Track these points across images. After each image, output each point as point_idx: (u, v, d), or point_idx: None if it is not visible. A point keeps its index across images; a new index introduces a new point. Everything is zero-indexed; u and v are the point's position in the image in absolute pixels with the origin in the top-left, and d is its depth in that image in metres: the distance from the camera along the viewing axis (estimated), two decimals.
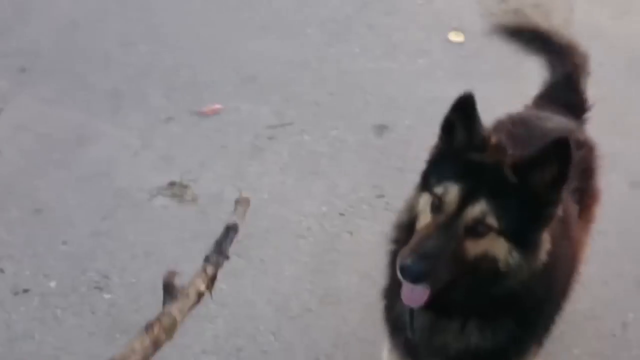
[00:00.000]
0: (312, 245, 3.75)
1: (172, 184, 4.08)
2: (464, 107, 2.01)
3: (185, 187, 4.07)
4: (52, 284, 3.44)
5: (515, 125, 2.67)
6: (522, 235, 1.96)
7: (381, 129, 4.55)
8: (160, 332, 0.99)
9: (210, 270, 1.08)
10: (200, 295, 1.06)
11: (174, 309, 1.02)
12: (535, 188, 1.94)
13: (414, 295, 2.00)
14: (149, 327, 0.98)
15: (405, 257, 1.90)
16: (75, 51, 5.14)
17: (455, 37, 5.46)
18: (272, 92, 4.89)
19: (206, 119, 4.62)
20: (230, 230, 1.11)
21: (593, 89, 3.20)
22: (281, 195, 4.06)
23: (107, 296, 3.41)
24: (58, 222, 3.77)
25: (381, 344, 2.77)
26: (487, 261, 1.96)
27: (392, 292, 2.31)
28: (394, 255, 2.21)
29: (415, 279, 1.90)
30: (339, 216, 3.92)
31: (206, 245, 3.62)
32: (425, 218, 2.02)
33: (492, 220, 1.91)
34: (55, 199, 3.91)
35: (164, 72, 5.01)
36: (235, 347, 3.23)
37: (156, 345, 0.95)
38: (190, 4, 5.76)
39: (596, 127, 3.10)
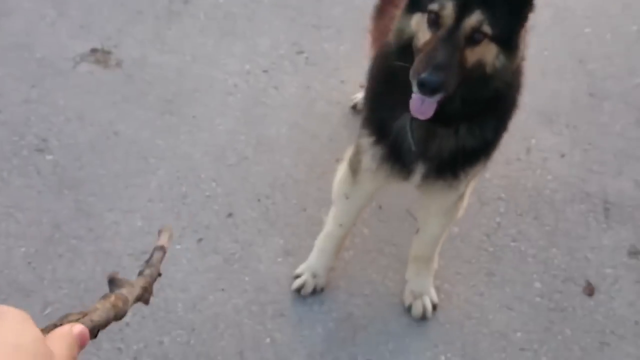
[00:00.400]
0: (240, 101, 3.85)
1: (94, 51, 4.04)
2: None
3: (108, 53, 4.04)
4: None
5: None
6: (507, 38, 2.11)
7: None
8: (118, 300, 1.05)
9: (146, 279, 1.15)
10: (143, 290, 1.13)
11: (124, 291, 1.09)
12: None
13: (424, 107, 2.11)
14: (105, 296, 1.06)
15: (421, 72, 2.00)
16: None
17: None
18: None
19: None
20: (158, 251, 1.18)
21: None
22: (204, 56, 4.10)
23: (49, 157, 3.43)
24: None
25: (334, 172, 2.95)
26: (478, 67, 2.10)
27: (385, 115, 2.44)
28: (386, 77, 2.38)
29: (434, 90, 2.00)
30: (263, 73, 4.02)
31: (137, 106, 3.73)
32: (424, 35, 2.10)
33: (487, 28, 2.03)
34: None
35: None
36: (180, 194, 3.36)
37: (115, 309, 0.99)
38: None
39: None
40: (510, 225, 3.33)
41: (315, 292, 3.03)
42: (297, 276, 3.05)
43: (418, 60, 2.06)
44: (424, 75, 1.99)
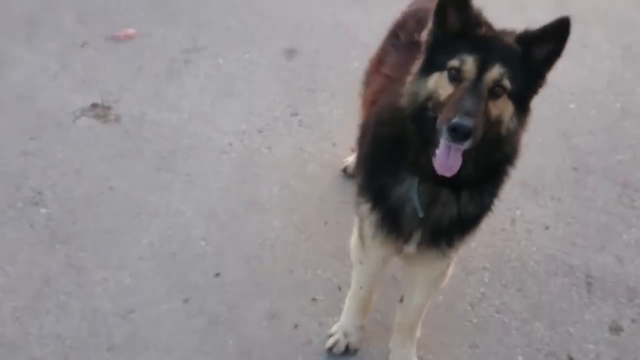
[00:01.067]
0: (234, 160, 3.78)
1: (94, 106, 3.98)
2: None
3: (108, 108, 3.98)
4: None
5: (412, 16, 2.84)
6: (522, 101, 2.09)
7: (291, 52, 4.57)
8: None
9: None
10: None
11: None
12: (534, 60, 2.07)
13: (450, 161, 2.04)
14: None
15: (451, 118, 1.94)
16: None
17: None
18: (184, 18, 4.80)
19: (121, 44, 4.49)
20: None
21: None
22: (201, 115, 4.04)
23: (43, 210, 3.34)
24: None
25: (349, 235, 2.82)
26: (497, 124, 2.06)
27: (385, 181, 2.36)
28: (387, 143, 2.31)
29: (466, 134, 1.93)
30: (258, 133, 3.96)
31: (133, 162, 3.65)
32: (445, 91, 2.06)
33: (506, 82, 2.01)
34: None
35: None
36: (170, 253, 3.25)
37: None
38: None
39: None
40: (494, 296, 3.23)
41: (348, 351, 2.94)
42: (331, 335, 2.96)
43: (446, 109, 2.00)
44: (455, 120, 1.92)
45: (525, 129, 2.19)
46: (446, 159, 2.05)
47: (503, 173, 2.32)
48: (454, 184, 2.19)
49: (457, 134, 1.93)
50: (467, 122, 1.92)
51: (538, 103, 4.16)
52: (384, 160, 2.36)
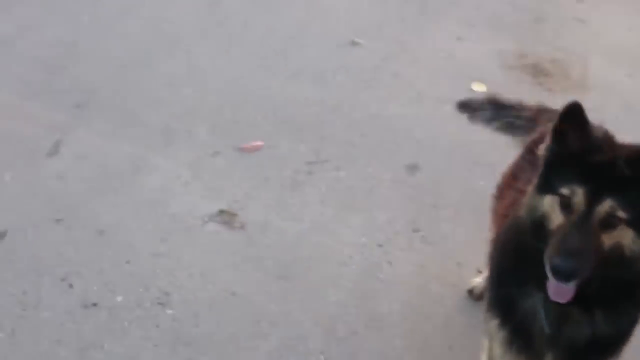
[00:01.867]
0: (354, 273, 3.81)
1: (221, 212, 4.15)
2: (575, 116, 2.05)
3: (234, 215, 4.15)
4: (119, 298, 3.49)
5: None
6: None
7: (413, 168, 4.66)
8: None
9: None
10: None
11: None
12: None
13: (563, 290, 2.04)
14: None
15: (555, 257, 1.95)
16: (125, 90, 5.21)
17: (478, 87, 5.60)
18: (308, 132, 5.00)
19: (249, 155, 4.71)
20: None
21: None
22: (322, 226, 4.14)
23: (169, 311, 3.46)
24: (120, 243, 3.83)
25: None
26: (616, 249, 2.01)
27: (513, 293, 2.31)
28: (515, 251, 2.29)
29: (568, 277, 1.95)
30: (378, 247, 4.00)
31: (255, 268, 3.75)
32: (556, 218, 2.05)
33: (621, 214, 1.96)
34: (116, 222, 3.97)
35: (208, 111, 5.11)
36: None
37: None
38: (230, 53, 5.89)
39: None
40: None
41: None
42: None
43: (551, 244, 2.00)
44: (557, 261, 1.94)
45: None
46: (558, 287, 2.04)
47: None
48: (582, 301, 2.13)
49: (560, 275, 1.95)
50: (570, 264, 1.93)
51: None
52: (511, 270, 2.34)
